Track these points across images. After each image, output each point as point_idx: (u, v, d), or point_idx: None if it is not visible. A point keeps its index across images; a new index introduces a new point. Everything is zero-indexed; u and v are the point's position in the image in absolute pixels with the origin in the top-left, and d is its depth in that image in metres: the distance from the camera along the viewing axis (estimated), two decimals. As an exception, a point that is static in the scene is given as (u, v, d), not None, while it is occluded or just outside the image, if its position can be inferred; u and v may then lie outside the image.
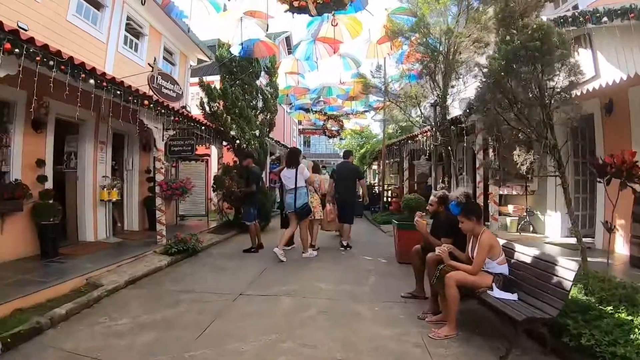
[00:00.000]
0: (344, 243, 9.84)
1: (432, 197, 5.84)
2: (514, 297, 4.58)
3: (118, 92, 7.06)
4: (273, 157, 20.40)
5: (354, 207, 10.49)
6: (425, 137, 12.11)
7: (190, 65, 15.75)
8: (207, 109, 12.22)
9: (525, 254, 4.98)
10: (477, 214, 4.90)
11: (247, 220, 9.52)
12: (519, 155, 5.25)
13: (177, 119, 9.10)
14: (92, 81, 6.36)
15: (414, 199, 8.44)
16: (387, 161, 18.00)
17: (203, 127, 10.82)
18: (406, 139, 14.57)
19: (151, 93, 8.78)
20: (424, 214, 5.87)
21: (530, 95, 5.32)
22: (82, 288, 6.19)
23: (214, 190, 12.76)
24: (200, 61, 16.20)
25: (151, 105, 8.10)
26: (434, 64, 8.88)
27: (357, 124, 26.98)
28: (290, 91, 18.01)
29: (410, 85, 9.69)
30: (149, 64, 9.61)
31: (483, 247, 4.68)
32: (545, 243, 9.31)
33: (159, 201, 9.32)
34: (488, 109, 5.40)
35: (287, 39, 25.54)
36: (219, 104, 12.27)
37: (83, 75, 6.17)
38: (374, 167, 26.83)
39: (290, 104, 21.51)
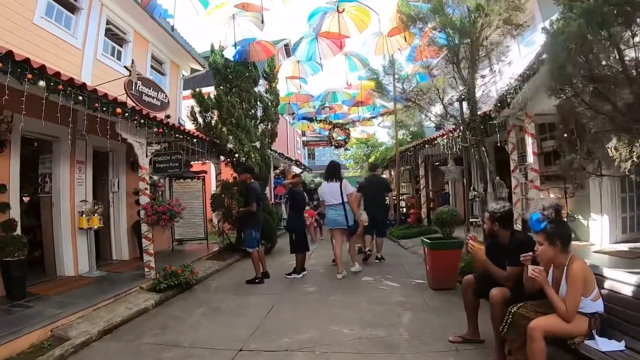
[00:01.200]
0: (378, 255, 9.65)
1: (486, 213, 4.46)
2: (620, 345, 3.24)
3: (80, 98, 5.72)
4: (277, 171, 19.08)
5: (384, 221, 10.19)
6: (446, 139, 10.75)
7: (183, 76, 14.50)
8: (200, 119, 10.88)
9: (623, 281, 3.59)
10: (565, 239, 3.52)
11: (249, 247, 8.14)
12: (616, 149, 3.82)
13: (160, 130, 7.75)
14: (42, 83, 5.02)
15: (448, 212, 7.08)
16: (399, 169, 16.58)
17: (195, 140, 9.44)
18: (422, 143, 13.19)
19: (130, 101, 7.51)
20: (476, 234, 4.49)
21: (606, 69, 3.97)
22: (45, 342, 4.90)
23: (212, 211, 11.42)
24: (193, 71, 14.97)
25: (127, 114, 6.77)
26: (457, 51, 7.53)
27: (364, 132, 25.60)
28: (292, 99, 16.63)
29: (432, 81, 8.31)
30: (125, 67, 8.30)
31: (577, 281, 3.32)
32: (594, 252, 7.94)
33: (144, 228, 7.96)
34: (562, 89, 4.03)
35: (286, 47, 24.27)
36: (213, 114, 10.94)
37: (29, 76, 4.85)
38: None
39: (293, 113, 20.16)
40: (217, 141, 10.69)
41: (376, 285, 7.50)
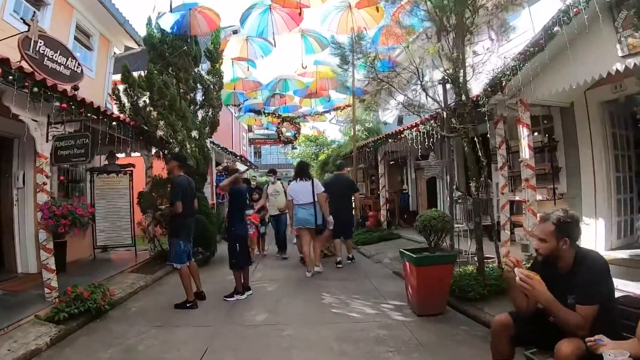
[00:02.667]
0: (350, 256, 9.48)
1: (542, 225, 2.91)
2: None
3: None
4: (220, 167, 17.21)
5: (352, 223, 10.08)
6: (416, 132, 9.40)
7: (115, 54, 12.39)
8: (125, 100, 8.85)
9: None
10: None
11: (176, 262, 6.31)
12: None
13: (64, 105, 5.82)
14: None
15: (438, 217, 5.52)
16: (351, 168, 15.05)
17: (115, 124, 7.48)
18: (385, 137, 11.75)
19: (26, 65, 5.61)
20: (523, 260, 2.98)
21: None
22: None
23: (142, 212, 9.49)
24: (127, 49, 12.87)
25: (11, 77, 4.89)
26: (447, 17, 6.11)
27: (314, 128, 23.99)
28: (237, 85, 14.72)
29: (410, 59, 6.83)
30: (22, 19, 6.39)
31: None
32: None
33: (42, 235, 6.07)
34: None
35: (235, 32, 22.21)
36: (142, 94, 8.91)
37: None
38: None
39: (239, 105, 18.33)
40: (145, 127, 8.75)
41: (343, 309, 5.89)
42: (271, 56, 11.83)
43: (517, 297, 3.02)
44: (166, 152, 9.27)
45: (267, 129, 24.44)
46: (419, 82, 6.85)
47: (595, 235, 7.45)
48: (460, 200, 6.97)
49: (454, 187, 6.94)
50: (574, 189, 7.97)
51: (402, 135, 10.20)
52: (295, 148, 26.97)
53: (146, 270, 8.61)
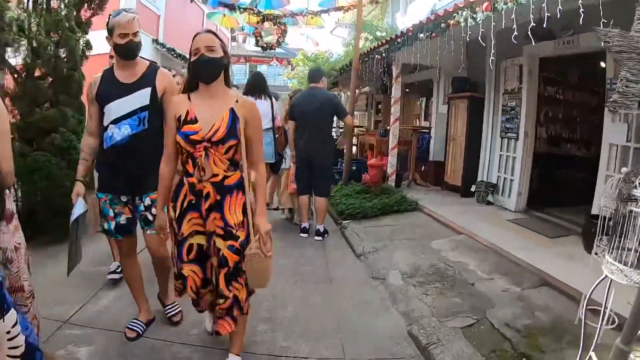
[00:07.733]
0: (321, 229, 5.86)
1: None
2: None
3: None
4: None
5: (330, 169, 6.33)
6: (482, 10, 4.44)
7: None
8: None
9: None
10: None
11: None
12: None
13: None
14: None
15: None
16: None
17: None
18: (412, 32, 6.48)
19: None
20: None
21: None
22: None
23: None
24: None
25: None
26: None
27: (308, 38, 18.49)
28: None
29: None
30: None
31: None
32: None
33: None
34: None
35: None
36: None
37: None
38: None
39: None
40: None
41: None
42: None
43: None
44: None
45: (246, 32, 18.87)
46: None
47: None
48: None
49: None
50: None
51: (453, 22, 5.15)
52: (293, 68, 21.58)
53: None
